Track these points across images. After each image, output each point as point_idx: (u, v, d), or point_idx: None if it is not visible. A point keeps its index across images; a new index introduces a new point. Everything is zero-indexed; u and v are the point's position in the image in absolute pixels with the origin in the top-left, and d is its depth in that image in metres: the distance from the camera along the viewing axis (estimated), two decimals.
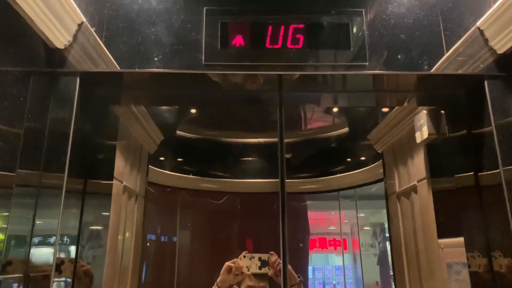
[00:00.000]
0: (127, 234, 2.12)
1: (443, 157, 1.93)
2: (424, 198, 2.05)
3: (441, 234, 1.90)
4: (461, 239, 1.68)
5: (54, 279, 1.38)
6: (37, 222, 1.39)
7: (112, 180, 1.86)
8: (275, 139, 1.73)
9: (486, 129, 1.57)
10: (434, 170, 2.02)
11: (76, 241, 1.54)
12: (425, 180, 2.05)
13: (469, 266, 1.60)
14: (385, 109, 2.29)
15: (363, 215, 2.73)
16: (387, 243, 2.37)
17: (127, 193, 2.09)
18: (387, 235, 2.38)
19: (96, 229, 1.72)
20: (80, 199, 1.59)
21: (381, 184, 2.58)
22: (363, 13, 1.63)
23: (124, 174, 2.04)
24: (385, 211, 2.38)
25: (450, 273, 1.79)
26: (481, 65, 1.56)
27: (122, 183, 2.02)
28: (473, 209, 1.62)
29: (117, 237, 1.97)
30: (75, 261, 1.51)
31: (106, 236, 1.79)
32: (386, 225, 2.40)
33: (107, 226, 1.80)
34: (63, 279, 1.45)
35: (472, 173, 1.64)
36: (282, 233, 1.59)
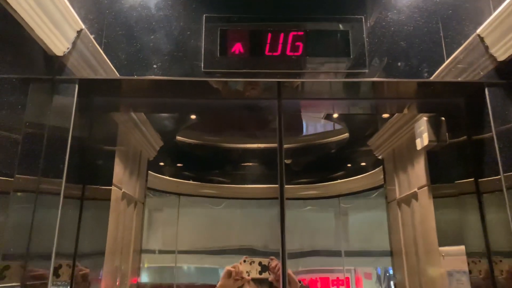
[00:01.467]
0: (126, 241, 2.11)
1: (443, 164, 1.92)
2: (425, 206, 2.04)
3: (442, 241, 1.89)
4: (462, 247, 1.67)
5: (51, 286, 1.37)
6: (35, 227, 1.38)
7: (111, 186, 1.86)
8: (275, 145, 1.72)
9: (487, 136, 1.57)
10: (435, 176, 2.01)
11: (74, 246, 1.53)
12: (426, 187, 2.04)
13: (470, 272, 1.60)
14: (385, 115, 2.28)
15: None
16: None
17: (126, 200, 2.09)
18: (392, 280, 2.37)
19: (94, 235, 1.72)
20: (78, 205, 1.59)
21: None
22: (363, 20, 1.63)
23: (123, 180, 2.03)
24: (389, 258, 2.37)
25: (451, 281, 1.78)
26: (481, 73, 1.56)
27: (121, 189, 2.01)
28: (473, 215, 1.62)
29: (115, 244, 1.96)
30: (73, 265, 1.51)
31: (104, 241, 1.78)
32: (390, 268, 2.39)
33: (106, 232, 1.80)
34: (61, 283, 1.45)
35: (473, 179, 1.64)
36: (282, 238, 1.58)
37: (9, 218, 1.29)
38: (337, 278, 2.70)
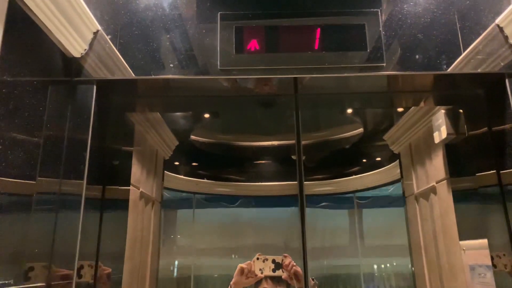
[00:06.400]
0: (144, 240, 2.13)
1: (463, 157, 1.90)
2: (444, 199, 2.02)
3: (463, 235, 1.87)
4: (484, 241, 1.65)
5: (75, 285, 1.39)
6: (58, 228, 1.40)
7: (129, 186, 1.87)
8: (290, 141, 1.71)
9: (508, 127, 1.54)
10: (454, 170, 1.98)
11: (96, 246, 1.55)
12: (445, 181, 2.02)
13: (495, 266, 1.57)
14: (400, 109, 2.26)
15: None
16: None
17: (143, 199, 2.10)
18: None
19: (115, 235, 1.73)
20: (99, 205, 1.60)
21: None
22: (379, 13, 1.61)
23: (140, 180, 2.05)
24: None
25: (473, 275, 1.75)
26: (502, 63, 1.53)
27: (139, 189, 2.03)
28: (496, 207, 1.59)
29: (135, 243, 1.97)
30: (95, 265, 1.52)
31: (124, 241, 1.80)
32: None
33: (126, 232, 1.81)
34: (84, 283, 1.46)
35: (494, 171, 1.61)
36: (302, 235, 1.58)
37: (32, 220, 1.30)
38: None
